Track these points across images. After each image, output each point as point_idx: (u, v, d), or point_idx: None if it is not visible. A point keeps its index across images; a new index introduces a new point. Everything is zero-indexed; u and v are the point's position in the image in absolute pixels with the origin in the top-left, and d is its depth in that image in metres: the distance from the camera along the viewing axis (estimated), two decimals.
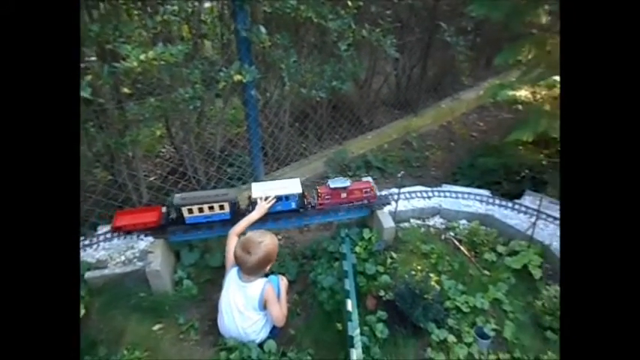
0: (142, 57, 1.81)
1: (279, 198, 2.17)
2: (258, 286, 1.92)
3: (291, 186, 2.20)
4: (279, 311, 1.91)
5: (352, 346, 1.53)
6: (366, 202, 2.31)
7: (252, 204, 2.17)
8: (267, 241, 1.88)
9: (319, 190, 2.25)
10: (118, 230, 2.10)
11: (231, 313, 1.92)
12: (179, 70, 2.26)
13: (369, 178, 2.65)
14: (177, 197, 2.10)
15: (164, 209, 2.21)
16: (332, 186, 2.22)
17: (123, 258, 2.09)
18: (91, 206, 2.47)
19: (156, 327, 1.99)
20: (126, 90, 2.08)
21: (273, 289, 1.94)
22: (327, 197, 2.24)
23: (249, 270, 1.90)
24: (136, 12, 2.32)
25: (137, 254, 2.11)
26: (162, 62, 1.93)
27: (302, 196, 2.21)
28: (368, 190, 2.28)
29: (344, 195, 2.25)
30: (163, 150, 3.68)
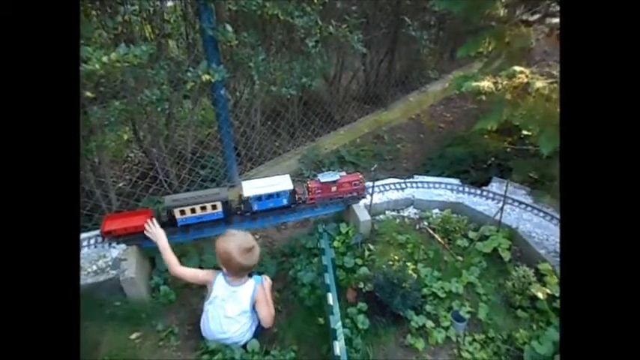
0: (105, 59, 1.76)
1: (270, 195, 2.16)
2: (249, 287, 1.91)
3: (282, 182, 2.19)
4: (267, 312, 1.92)
5: (335, 338, 1.55)
6: (355, 194, 2.33)
7: (243, 202, 2.14)
8: (249, 234, 1.89)
9: (309, 185, 2.25)
10: (107, 235, 2.00)
11: (218, 318, 1.89)
12: (144, 71, 2.21)
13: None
14: (168, 199, 2.06)
15: (154, 212, 2.15)
16: (322, 180, 2.23)
17: (95, 267, 2.02)
18: None
19: (133, 336, 1.94)
20: (88, 94, 2.00)
21: (263, 289, 1.94)
22: (317, 192, 2.24)
23: (245, 270, 1.88)
24: (94, 12, 2.23)
25: (110, 262, 2.04)
26: (126, 64, 1.88)
27: (293, 192, 2.20)
28: (357, 182, 2.30)
29: (334, 189, 2.27)
30: (131, 154, 3.57)
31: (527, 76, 2.03)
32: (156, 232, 1.98)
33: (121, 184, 3.10)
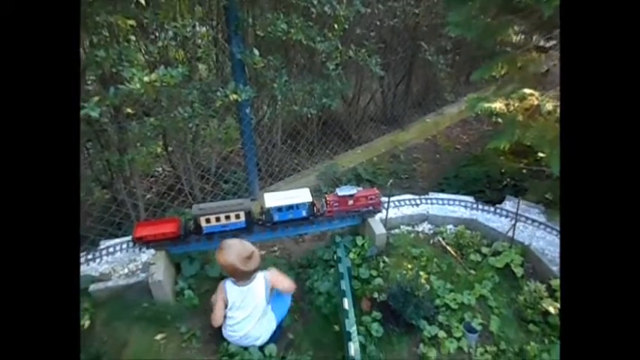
0: (146, 79, 1.95)
1: (290, 207, 2.27)
2: (260, 280, 2.00)
3: (301, 195, 2.31)
4: (286, 282, 2.04)
5: (350, 340, 1.63)
6: (371, 208, 2.42)
7: (265, 213, 2.27)
8: (246, 243, 1.98)
9: (328, 198, 2.36)
10: (138, 241, 2.13)
11: (237, 316, 1.98)
12: (177, 91, 2.40)
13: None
14: (195, 207, 2.19)
15: (182, 220, 2.27)
16: (340, 194, 2.34)
17: (126, 270, 2.17)
18: (92, 223, 2.55)
19: (158, 336, 2.05)
20: (129, 110, 2.19)
21: (272, 272, 2.06)
22: (335, 205, 2.35)
23: (250, 274, 1.97)
24: (133, 37, 2.46)
25: (140, 266, 2.19)
26: (164, 84, 2.07)
27: (312, 204, 2.32)
28: (373, 197, 2.39)
29: (351, 202, 2.37)
30: (159, 169, 3.78)
31: (537, 99, 2.12)
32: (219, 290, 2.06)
33: (149, 196, 3.28)
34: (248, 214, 2.24)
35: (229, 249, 1.92)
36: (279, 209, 2.28)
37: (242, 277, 1.98)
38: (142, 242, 2.17)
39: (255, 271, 1.99)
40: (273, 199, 2.29)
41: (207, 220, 2.19)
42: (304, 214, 2.33)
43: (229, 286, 2.01)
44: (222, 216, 2.19)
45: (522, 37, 3.77)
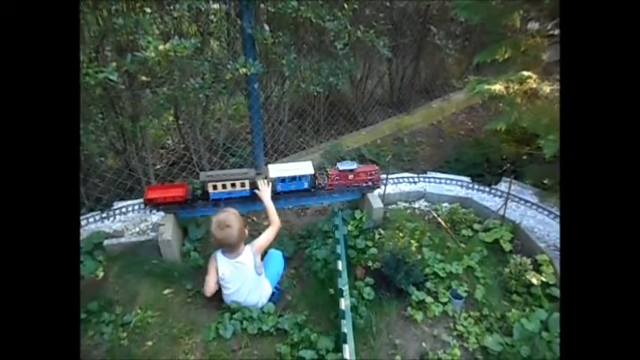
0: (161, 47, 2.05)
1: (292, 178, 2.39)
2: (247, 252, 2.13)
3: (304, 167, 2.43)
4: (265, 235, 2.21)
5: (342, 296, 1.76)
6: (371, 184, 2.53)
7: (269, 184, 2.38)
8: (234, 212, 2.10)
9: (329, 172, 2.47)
10: (149, 202, 2.27)
11: (231, 287, 2.13)
12: (190, 62, 2.50)
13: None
14: (203, 174, 2.32)
15: (189, 186, 2.40)
16: (341, 168, 2.45)
17: (137, 229, 2.32)
18: (106, 185, 2.70)
19: (166, 291, 2.20)
20: (144, 78, 2.30)
21: (256, 242, 2.18)
22: (336, 178, 2.46)
23: (233, 244, 2.07)
24: (147, 10, 2.54)
25: (150, 226, 2.34)
26: (177, 54, 2.17)
27: (314, 177, 2.43)
28: (373, 172, 2.50)
29: (351, 177, 2.48)
30: (169, 141, 3.91)
31: (535, 81, 2.19)
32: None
33: (158, 166, 3.42)
34: (252, 182, 2.36)
35: (217, 214, 2.07)
36: (282, 180, 2.39)
37: (227, 248, 2.09)
38: (153, 204, 2.31)
39: (229, 246, 2.09)
40: (277, 170, 2.41)
41: (214, 187, 2.31)
42: (306, 185, 2.45)
43: (220, 257, 2.14)
44: (228, 183, 2.31)
45: (535, 24, 3.79)
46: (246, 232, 2.18)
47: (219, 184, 2.31)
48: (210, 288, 2.14)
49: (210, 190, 2.32)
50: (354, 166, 2.47)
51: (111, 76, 1.84)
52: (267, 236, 2.21)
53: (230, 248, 2.10)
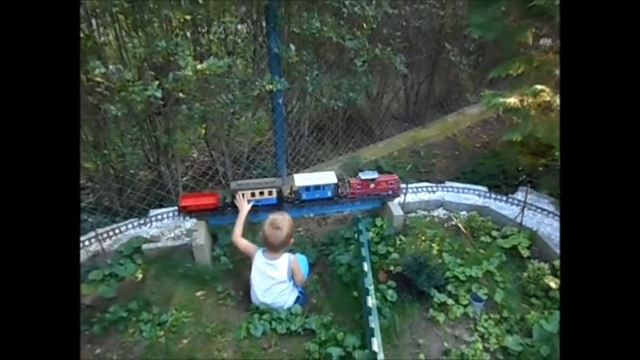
0: (198, 67, 2.25)
1: (317, 187, 2.53)
2: (285, 260, 2.27)
3: (327, 177, 2.56)
4: (300, 274, 2.32)
5: (368, 294, 1.86)
6: (391, 192, 2.64)
7: (294, 192, 2.53)
8: (288, 218, 2.26)
9: (351, 181, 2.60)
10: (183, 209, 2.42)
11: (260, 287, 2.26)
12: (222, 79, 2.70)
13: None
14: (234, 183, 2.48)
15: (220, 195, 2.56)
16: (362, 177, 2.58)
17: (172, 235, 2.47)
18: (141, 195, 2.88)
19: (199, 293, 2.33)
20: (180, 94, 2.49)
21: (297, 259, 2.30)
22: (358, 187, 2.59)
23: (279, 245, 2.24)
24: (187, 33, 2.76)
25: (184, 232, 2.50)
26: (211, 72, 2.36)
27: (337, 185, 2.56)
28: (393, 182, 2.62)
29: (372, 186, 2.60)
30: (194, 154, 4.11)
31: (549, 95, 2.31)
32: (242, 203, 2.42)
33: (186, 178, 3.60)
34: (279, 191, 2.51)
35: (272, 215, 2.25)
36: (307, 188, 2.53)
37: (268, 246, 2.24)
38: (186, 211, 2.46)
39: (278, 246, 2.24)
40: (302, 179, 2.55)
41: (243, 195, 2.46)
42: (329, 194, 2.58)
43: (258, 254, 2.29)
44: (256, 191, 2.46)
45: (547, 40, 3.91)
46: (292, 240, 2.34)
47: (248, 192, 2.46)
48: (237, 238, 2.36)
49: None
50: (375, 175, 2.60)
51: (156, 93, 2.03)
52: (302, 275, 2.34)
53: (273, 248, 2.24)
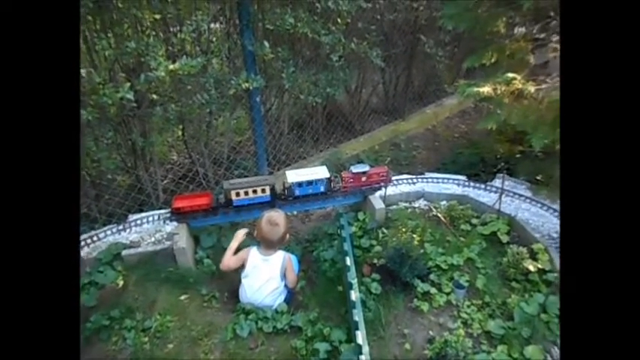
0: (171, 67, 2.20)
1: (309, 182, 2.53)
2: (279, 256, 2.29)
3: (319, 172, 2.57)
4: (292, 275, 2.33)
5: (351, 288, 1.87)
6: (382, 184, 2.67)
7: (287, 188, 2.53)
8: (284, 214, 2.29)
9: (343, 175, 2.62)
10: (177, 211, 2.39)
11: (253, 286, 2.26)
12: (196, 79, 2.65)
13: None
14: (226, 183, 2.45)
15: (213, 195, 2.53)
16: (354, 171, 2.60)
17: (153, 239, 2.43)
18: (119, 200, 2.82)
19: (182, 297, 2.30)
20: (154, 96, 2.44)
21: (291, 259, 2.30)
22: (350, 180, 2.61)
23: (276, 242, 2.25)
24: (160, 33, 2.70)
25: (165, 236, 2.46)
26: (185, 72, 2.32)
27: (329, 180, 2.57)
28: (384, 174, 2.65)
29: (364, 178, 2.62)
30: (174, 157, 4.04)
31: (520, 82, 2.35)
32: (239, 234, 2.41)
33: (165, 182, 3.54)
34: (272, 188, 2.49)
35: (267, 212, 2.27)
36: (300, 184, 2.52)
37: (263, 242, 2.25)
38: (180, 213, 2.42)
39: (275, 243, 2.26)
40: (295, 175, 2.54)
41: (237, 194, 2.43)
42: (322, 189, 2.58)
43: (253, 252, 2.30)
44: (250, 190, 2.44)
45: (520, 29, 3.98)
46: (288, 237, 2.35)
47: (242, 191, 2.43)
48: (227, 263, 2.32)
49: (234, 197, 2.43)
50: (366, 168, 2.62)
51: (127, 95, 1.98)
52: (294, 277, 2.36)
53: (269, 245, 2.26)
